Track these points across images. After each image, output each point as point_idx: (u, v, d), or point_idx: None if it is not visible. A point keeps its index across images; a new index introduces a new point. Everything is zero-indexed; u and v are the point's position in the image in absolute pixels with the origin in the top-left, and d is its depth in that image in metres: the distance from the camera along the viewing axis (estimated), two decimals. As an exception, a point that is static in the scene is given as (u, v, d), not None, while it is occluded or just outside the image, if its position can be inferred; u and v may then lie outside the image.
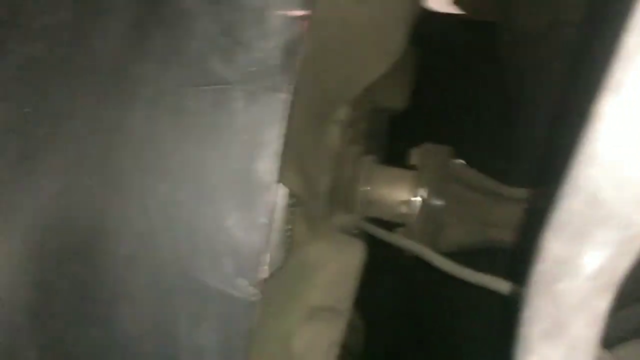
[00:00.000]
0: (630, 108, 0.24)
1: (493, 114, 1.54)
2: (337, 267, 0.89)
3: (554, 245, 0.26)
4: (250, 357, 0.59)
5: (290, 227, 0.81)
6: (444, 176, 1.02)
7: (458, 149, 1.08)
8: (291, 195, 0.76)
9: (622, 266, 0.25)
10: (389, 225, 1.08)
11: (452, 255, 0.89)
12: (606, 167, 0.24)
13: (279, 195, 0.74)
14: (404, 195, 1.04)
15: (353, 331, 0.91)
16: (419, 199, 1.02)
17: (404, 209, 1.03)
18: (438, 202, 1.01)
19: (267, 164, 0.51)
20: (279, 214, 0.75)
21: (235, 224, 0.52)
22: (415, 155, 1.06)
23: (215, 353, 0.59)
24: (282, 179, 0.54)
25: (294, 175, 0.80)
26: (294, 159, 0.81)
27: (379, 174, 1.07)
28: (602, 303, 0.27)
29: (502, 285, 0.71)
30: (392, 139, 1.44)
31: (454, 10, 1.76)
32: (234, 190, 0.52)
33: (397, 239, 0.91)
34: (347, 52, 0.82)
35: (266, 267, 0.72)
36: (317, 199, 0.92)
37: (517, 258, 1.05)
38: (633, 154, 0.24)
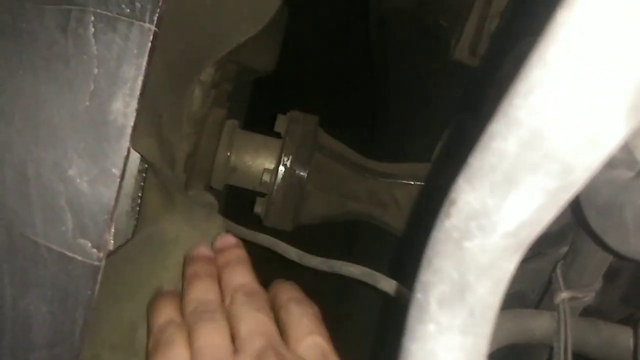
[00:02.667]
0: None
1: (360, 86, 1.54)
2: (193, 246, 0.81)
3: (469, 196, 0.23)
4: (89, 333, 0.51)
5: (140, 195, 0.71)
6: (309, 145, 0.99)
7: (324, 119, 1.05)
8: (144, 160, 0.67)
9: (545, 220, 0.22)
10: (250, 195, 1.03)
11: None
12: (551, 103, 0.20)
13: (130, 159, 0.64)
14: (267, 163, 1.00)
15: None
16: (282, 167, 0.98)
17: (266, 177, 0.98)
18: (301, 172, 0.98)
19: (122, 105, 0.43)
20: (130, 181, 0.65)
21: (79, 173, 0.44)
22: (281, 122, 1.02)
23: (46, 325, 0.50)
24: (134, 142, 0.46)
25: (148, 137, 0.71)
26: (150, 119, 0.72)
27: (241, 139, 1.01)
28: (510, 265, 0.24)
29: (354, 270, 0.68)
30: (258, 105, 1.39)
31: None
32: (79, 133, 0.43)
33: (251, 234, 0.85)
34: (217, 10, 0.75)
35: (112, 231, 0.63)
36: (174, 167, 0.83)
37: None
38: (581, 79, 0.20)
